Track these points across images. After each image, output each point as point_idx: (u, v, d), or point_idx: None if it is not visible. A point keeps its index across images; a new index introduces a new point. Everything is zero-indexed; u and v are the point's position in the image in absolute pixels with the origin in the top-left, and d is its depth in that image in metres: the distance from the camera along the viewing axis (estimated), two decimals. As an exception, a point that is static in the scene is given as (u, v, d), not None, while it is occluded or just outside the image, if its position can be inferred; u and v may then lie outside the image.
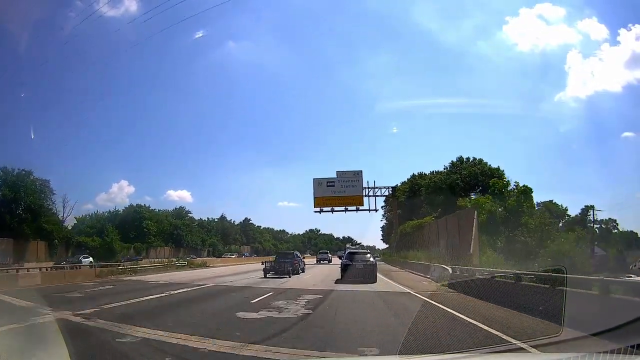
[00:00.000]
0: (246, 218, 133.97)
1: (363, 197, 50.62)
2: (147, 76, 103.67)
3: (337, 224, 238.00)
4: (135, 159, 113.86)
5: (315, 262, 58.43)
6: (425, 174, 70.72)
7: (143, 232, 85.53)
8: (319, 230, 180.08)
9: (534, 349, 6.55)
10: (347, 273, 22.68)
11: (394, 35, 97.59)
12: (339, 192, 50.23)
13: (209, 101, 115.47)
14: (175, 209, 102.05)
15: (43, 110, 76.83)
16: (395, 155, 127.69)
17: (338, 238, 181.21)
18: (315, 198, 50.61)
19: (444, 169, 62.38)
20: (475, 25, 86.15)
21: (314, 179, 51.19)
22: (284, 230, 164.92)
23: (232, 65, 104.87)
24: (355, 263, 23.35)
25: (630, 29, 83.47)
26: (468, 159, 61.27)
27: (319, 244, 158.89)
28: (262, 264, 29.51)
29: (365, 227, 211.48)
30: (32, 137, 56.60)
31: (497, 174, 57.98)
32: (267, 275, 26.79)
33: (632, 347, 4.52)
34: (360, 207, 50.69)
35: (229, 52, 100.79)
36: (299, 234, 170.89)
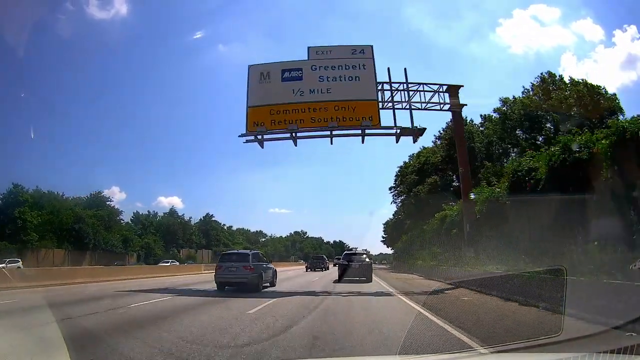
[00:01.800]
0: (207, 214, 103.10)
1: (379, 106, 19.19)
2: (140, 80, 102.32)
3: (328, 225, 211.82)
4: (128, 164, 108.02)
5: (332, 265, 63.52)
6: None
7: (18, 226, 54.47)
8: (306, 233, 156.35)
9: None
10: (345, 273, 23.65)
11: (388, 36, 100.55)
12: (316, 95, 18.82)
13: (200, 104, 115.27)
14: (91, 194, 70.13)
15: (35, 113, 68.32)
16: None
17: (328, 242, 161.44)
18: (248, 109, 18.96)
19: (525, 92, 32.78)
20: (468, 28, 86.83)
21: (249, 67, 19.71)
22: (261, 232, 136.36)
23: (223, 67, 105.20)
24: (352, 263, 24.28)
25: (626, 30, 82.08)
26: (553, 76, 32.29)
27: (305, 249, 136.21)
28: (307, 262, 52.35)
29: (362, 227, 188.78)
30: (32, 136, 62.94)
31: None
32: (308, 270, 39.09)
33: (633, 346, 4.17)
34: (373, 127, 18.21)
35: (220, 54, 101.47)
36: (281, 237, 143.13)
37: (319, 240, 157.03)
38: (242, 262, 17.32)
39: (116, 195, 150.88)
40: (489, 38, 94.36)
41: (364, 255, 26.74)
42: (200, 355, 6.21)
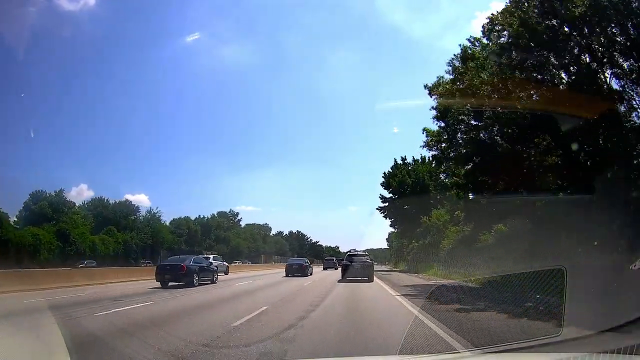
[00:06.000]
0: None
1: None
2: (106, 74, 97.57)
3: (299, 220, 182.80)
4: (96, 160, 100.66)
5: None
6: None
7: None
8: (239, 216, 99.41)
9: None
10: (347, 272, 25.64)
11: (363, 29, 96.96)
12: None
13: (169, 101, 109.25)
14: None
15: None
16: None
17: (281, 233, 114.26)
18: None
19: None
20: (444, 20, 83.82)
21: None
22: (150, 210, 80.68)
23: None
24: (354, 263, 26.30)
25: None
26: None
27: (232, 241, 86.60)
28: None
29: (334, 223, 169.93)
30: (32, 135, 61.89)
31: None
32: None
33: (633, 346, 4.27)
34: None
35: (187, 47, 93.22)
36: (199, 218, 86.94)
37: (265, 227, 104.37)
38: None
39: (84, 193, 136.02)
40: (464, 30, 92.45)
41: (365, 257, 28.53)
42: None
